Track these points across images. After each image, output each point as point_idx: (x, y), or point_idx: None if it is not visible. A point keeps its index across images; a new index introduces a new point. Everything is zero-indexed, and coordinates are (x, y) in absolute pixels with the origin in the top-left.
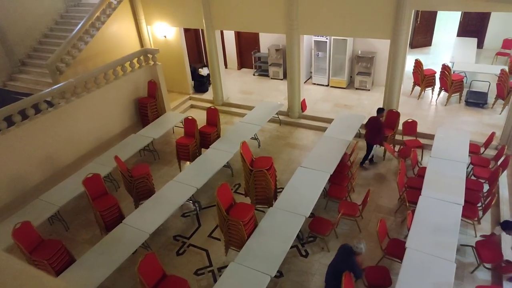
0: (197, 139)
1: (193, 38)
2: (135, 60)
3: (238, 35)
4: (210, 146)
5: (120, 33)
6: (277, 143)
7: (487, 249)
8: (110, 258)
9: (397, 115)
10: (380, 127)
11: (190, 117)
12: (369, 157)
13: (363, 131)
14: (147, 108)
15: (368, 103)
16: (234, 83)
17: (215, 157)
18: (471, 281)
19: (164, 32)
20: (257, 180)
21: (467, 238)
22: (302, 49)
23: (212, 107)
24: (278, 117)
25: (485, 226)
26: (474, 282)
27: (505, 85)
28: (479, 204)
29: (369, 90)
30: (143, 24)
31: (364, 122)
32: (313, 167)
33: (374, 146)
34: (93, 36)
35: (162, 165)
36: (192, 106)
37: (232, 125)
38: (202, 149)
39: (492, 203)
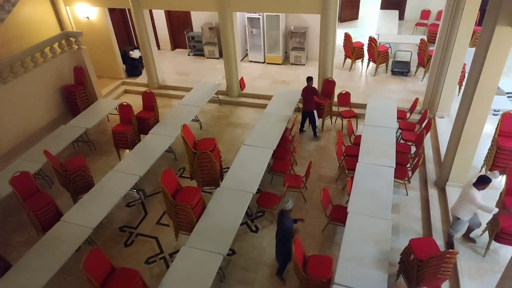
0: (135, 125)
1: (120, 18)
2: (56, 45)
3: (169, 14)
4: (149, 132)
5: (35, 16)
6: (219, 123)
7: None
8: (51, 258)
9: (333, 83)
10: (315, 93)
11: (125, 103)
12: (316, 125)
13: (301, 105)
14: (75, 96)
15: (304, 78)
16: (169, 65)
17: (156, 142)
18: (405, 236)
19: (86, 12)
20: (202, 162)
21: (399, 197)
22: (236, 26)
23: (148, 91)
24: (218, 97)
25: (415, 184)
26: (408, 236)
27: (425, 54)
28: (408, 165)
29: (304, 64)
30: (61, 5)
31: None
32: (256, 144)
33: (315, 112)
34: (3, 20)
35: (100, 156)
36: (126, 92)
37: (171, 108)
38: (141, 135)
39: (419, 163)
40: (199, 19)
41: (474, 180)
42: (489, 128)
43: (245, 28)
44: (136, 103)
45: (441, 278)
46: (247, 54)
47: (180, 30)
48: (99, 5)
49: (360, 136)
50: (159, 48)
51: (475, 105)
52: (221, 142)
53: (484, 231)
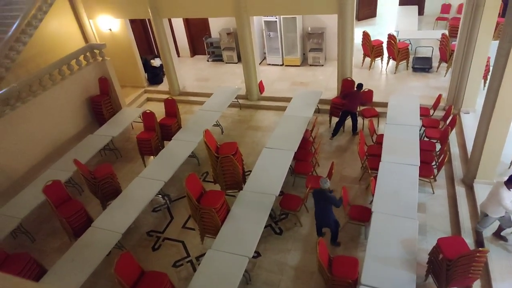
0: (158, 132)
1: (140, 29)
2: (81, 58)
3: (187, 22)
4: (172, 138)
5: (60, 30)
6: (239, 127)
7: None
8: (84, 263)
9: (352, 83)
10: (359, 98)
11: (148, 111)
12: (339, 128)
13: (322, 107)
14: (101, 106)
15: (323, 78)
16: (189, 71)
17: (179, 148)
18: (433, 235)
19: (108, 25)
20: (224, 166)
21: (425, 196)
22: (253, 30)
23: (170, 98)
24: (238, 101)
25: (441, 182)
26: (436, 235)
27: (447, 49)
28: (433, 163)
29: (322, 65)
30: (84, 19)
31: (321, 97)
32: (277, 146)
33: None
34: (31, 35)
35: (126, 163)
36: (148, 100)
37: (192, 114)
38: (165, 141)
39: (445, 160)
40: (217, 25)
41: (506, 178)
42: None
43: (262, 32)
44: (159, 110)
45: (472, 277)
46: (265, 58)
47: (198, 36)
48: (121, 16)
49: (382, 135)
50: (179, 56)
51: (501, 99)
52: (243, 146)
53: None
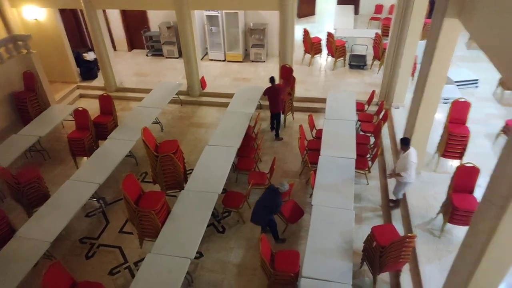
0: (92, 131)
1: (72, 19)
2: (2, 50)
3: (124, 14)
4: (107, 137)
5: None
6: (181, 124)
7: None
8: (6, 277)
9: (290, 70)
10: (278, 94)
11: (80, 108)
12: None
13: (263, 103)
14: (26, 103)
15: (264, 74)
16: (126, 66)
17: (115, 147)
18: (368, 224)
19: (35, 14)
20: (164, 166)
21: (361, 187)
22: (195, 25)
23: (105, 94)
24: (179, 97)
25: (375, 174)
26: (370, 223)
27: (380, 47)
28: (368, 156)
29: (264, 61)
30: (6, 6)
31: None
32: (220, 143)
33: (282, 114)
34: None
35: (55, 165)
36: (81, 96)
37: (130, 111)
38: (99, 141)
39: (378, 153)
40: (157, 18)
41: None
42: (441, 116)
43: (204, 26)
44: (93, 107)
45: (402, 261)
46: (207, 53)
47: (137, 30)
48: (49, 6)
49: (321, 130)
50: (115, 49)
51: (427, 94)
52: (184, 143)
53: (438, 213)
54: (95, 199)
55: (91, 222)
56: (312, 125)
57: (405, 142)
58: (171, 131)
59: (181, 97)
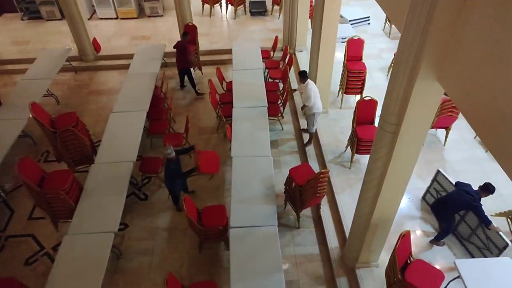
0: None
1: None
2: None
3: None
4: None
5: None
6: (79, 93)
7: None
8: None
9: (194, 27)
10: (187, 49)
11: None
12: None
13: (168, 60)
14: None
15: (165, 29)
16: (0, 34)
17: (3, 129)
18: (286, 167)
19: None
20: (67, 141)
21: (276, 133)
22: None
23: None
24: (71, 64)
25: (288, 118)
26: (288, 166)
27: None
28: (279, 102)
29: (162, 16)
30: None
31: (166, 50)
32: (126, 109)
33: (192, 69)
34: None
35: None
36: None
37: (14, 86)
38: None
39: (288, 97)
40: None
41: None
42: (340, 55)
43: None
44: None
45: (319, 196)
46: (95, 11)
47: None
48: None
49: (231, 82)
50: None
51: (324, 35)
52: (87, 114)
53: (347, 147)
54: None
55: None
56: (221, 78)
57: (303, 75)
58: (68, 102)
59: (74, 63)
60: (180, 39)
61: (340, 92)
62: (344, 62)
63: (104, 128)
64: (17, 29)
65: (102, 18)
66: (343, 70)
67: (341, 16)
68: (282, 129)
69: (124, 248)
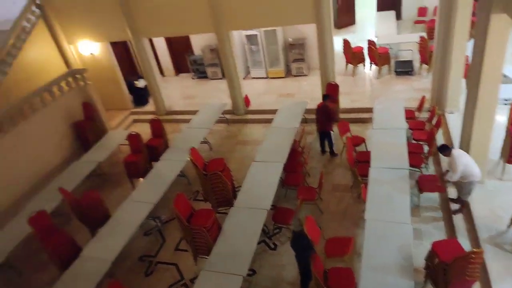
0: (145, 153)
1: (122, 50)
2: (63, 83)
3: (169, 41)
4: (160, 158)
5: (41, 57)
6: (228, 142)
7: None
8: None
9: (336, 86)
10: (329, 113)
11: (133, 133)
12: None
13: (308, 116)
14: (86, 131)
15: (308, 88)
16: (174, 90)
17: (167, 168)
18: (429, 239)
19: (90, 49)
20: (213, 183)
21: (419, 199)
22: (234, 45)
23: (155, 118)
24: (225, 117)
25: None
26: (431, 238)
27: (426, 50)
28: (423, 166)
29: (306, 75)
30: (64, 44)
31: (307, 107)
32: (266, 159)
33: (331, 132)
34: (11, 65)
35: (114, 187)
36: (135, 121)
37: (180, 132)
38: (153, 162)
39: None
40: (199, 42)
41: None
42: (502, 118)
43: (244, 46)
44: (146, 131)
45: (470, 279)
46: (249, 71)
47: (181, 55)
48: (100, 40)
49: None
50: (163, 75)
51: (482, 95)
52: (232, 161)
53: (510, 226)
54: (151, 218)
55: (149, 241)
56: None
57: (442, 150)
58: (219, 149)
59: (227, 116)
60: (322, 100)
61: (501, 161)
62: (507, 127)
63: (245, 175)
64: (188, 86)
65: (254, 78)
66: (506, 136)
67: (504, 76)
68: (423, 194)
69: None
